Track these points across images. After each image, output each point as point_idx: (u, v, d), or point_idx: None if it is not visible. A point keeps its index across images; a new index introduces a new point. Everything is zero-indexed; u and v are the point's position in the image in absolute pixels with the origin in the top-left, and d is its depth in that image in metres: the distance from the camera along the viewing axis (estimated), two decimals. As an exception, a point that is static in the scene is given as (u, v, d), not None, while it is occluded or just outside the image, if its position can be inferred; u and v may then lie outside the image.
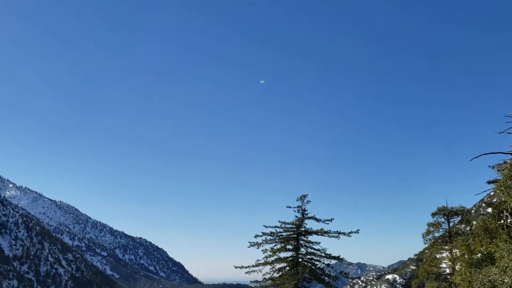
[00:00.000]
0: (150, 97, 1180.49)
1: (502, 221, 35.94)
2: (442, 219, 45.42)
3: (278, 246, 38.22)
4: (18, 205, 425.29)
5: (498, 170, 35.68)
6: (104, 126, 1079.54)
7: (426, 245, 49.38)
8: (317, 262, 38.35)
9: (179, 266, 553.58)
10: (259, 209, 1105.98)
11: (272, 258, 37.76)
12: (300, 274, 36.63)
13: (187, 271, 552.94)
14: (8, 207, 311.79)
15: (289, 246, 38.22)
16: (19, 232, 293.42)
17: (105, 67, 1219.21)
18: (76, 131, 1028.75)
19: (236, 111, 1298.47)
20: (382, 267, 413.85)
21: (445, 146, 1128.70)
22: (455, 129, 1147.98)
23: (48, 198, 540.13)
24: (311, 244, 38.15)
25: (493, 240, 28.92)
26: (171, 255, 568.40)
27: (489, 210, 61.01)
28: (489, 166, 38.64)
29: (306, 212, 37.79)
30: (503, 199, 30.89)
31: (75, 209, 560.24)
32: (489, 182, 38.51)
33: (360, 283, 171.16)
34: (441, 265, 46.45)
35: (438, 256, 46.36)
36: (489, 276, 23.43)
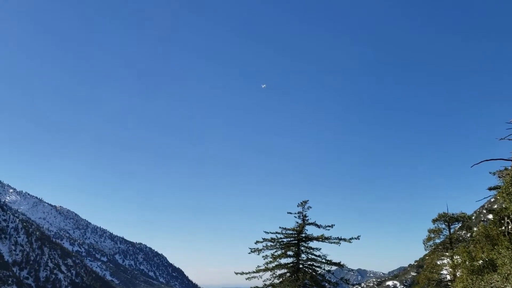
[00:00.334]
0: (152, 103, 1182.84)
1: (503, 228, 35.83)
2: (443, 225, 45.32)
3: (279, 252, 38.11)
4: (18, 210, 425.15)
5: (499, 177, 35.58)
6: (105, 132, 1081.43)
7: (427, 252, 49.25)
8: (317, 268, 38.24)
9: (179, 271, 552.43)
10: (260, 215, 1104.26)
11: (273, 264, 37.64)
12: (300, 280, 36.51)
13: (187, 277, 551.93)
14: (8, 212, 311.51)
15: (289, 252, 38.11)
16: (19, 237, 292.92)
17: (109, 69, 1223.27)
18: (77, 136, 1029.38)
19: (236, 115, 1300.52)
20: (383, 273, 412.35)
21: (446, 152, 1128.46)
22: (456, 135, 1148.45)
23: (48, 203, 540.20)
24: (311, 250, 38.06)
25: (495, 247, 28.86)
26: (171, 260, 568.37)
27: (490, 216, 60.86)
28: (490, 173, 38.54)
29: (307, 218, 37.74)
30: (504, 206, 30.83)
31: (75, 214, 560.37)
32: (490, 189, 38.41)
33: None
34: (442, 272, 46.29)
35: (439, 263, 46.23)
36: (491, 283, 23.36)
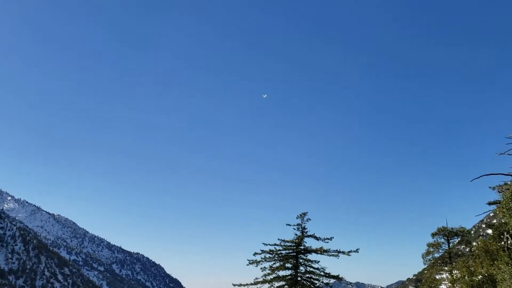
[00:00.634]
0: (149, 113, 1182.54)
1: (503, 243, 35.72)
2: (442, 240, 45.29)
3: (277, 264, 37.86)
4: (16, 218, 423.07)
5: (498, 191, 35.59)
6: (103, 141, 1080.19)
7: (426, 266, 49.09)
8: (316, 281, 37.96)
9: (176, 282, 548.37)
10: (258, 226, 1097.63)
11: (271, 277, 37.38)
12: (299, 293, 36.28)
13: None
14: (5, 220, 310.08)
15: (288, 265, 37.89)
16: (16, 245, 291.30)
17: (109, 81, 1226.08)
18: (75, 145, 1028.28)
19: (234, 127, 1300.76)
20: (381, 287, 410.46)
21: (446, 166, 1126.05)
22: (455, 149, 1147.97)
23: (46, 212, 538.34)
24: (310, 263, 37.82)
25: (494, 262, 28.74)
26: (168, 271, 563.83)
27: (490, 231, 60.69)
28: (489, 187, 38.59)
29: (305, 230, 37.56)
30: (503, 221, 30.76)
31: (73, 223, 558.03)
32: (489, 203, 38.40)
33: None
34: (440, 286, 46.11)
35: (437, 277, 46.08)
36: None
